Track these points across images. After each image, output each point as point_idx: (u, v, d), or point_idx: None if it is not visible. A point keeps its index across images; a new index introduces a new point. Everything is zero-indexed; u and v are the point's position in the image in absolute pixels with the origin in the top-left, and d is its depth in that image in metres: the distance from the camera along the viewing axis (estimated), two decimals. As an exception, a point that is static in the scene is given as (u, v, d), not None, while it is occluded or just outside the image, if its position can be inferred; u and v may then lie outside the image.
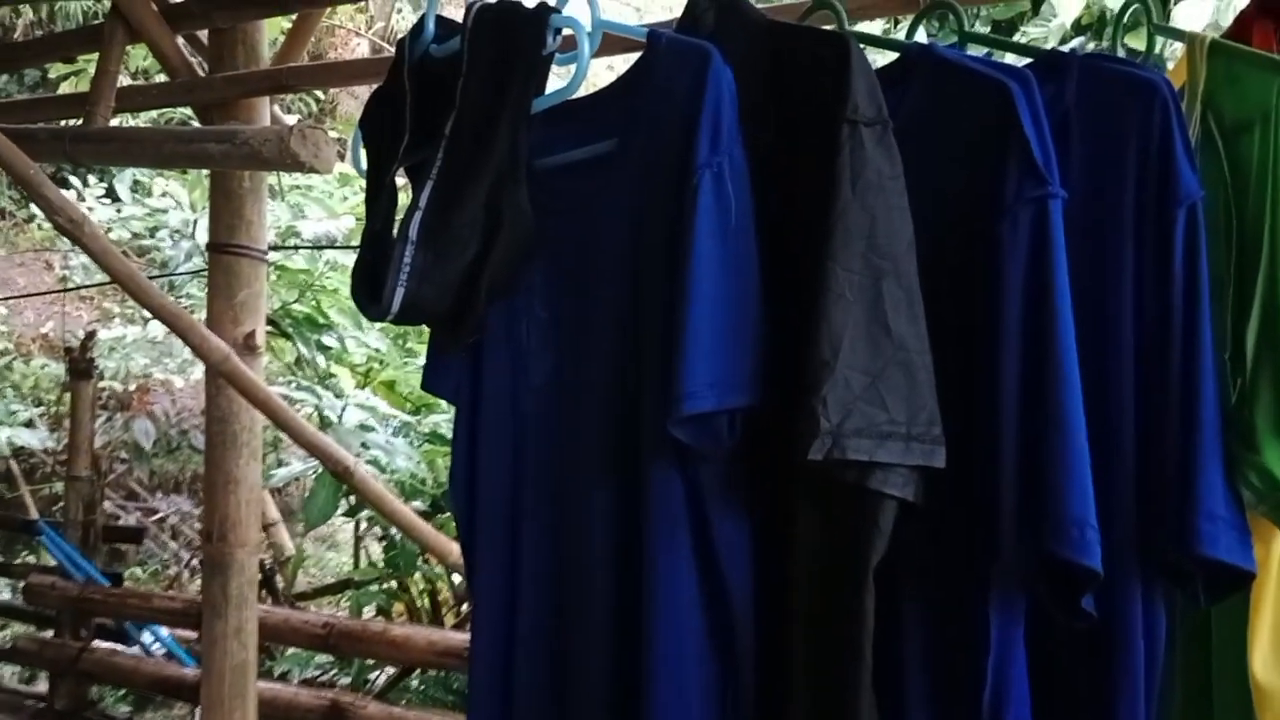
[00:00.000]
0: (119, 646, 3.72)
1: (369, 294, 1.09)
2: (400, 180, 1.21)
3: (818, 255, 0.93)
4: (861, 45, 1.00)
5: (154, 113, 4.85)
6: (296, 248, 3.65)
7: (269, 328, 3.79)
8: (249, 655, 2.58)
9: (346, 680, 3.66)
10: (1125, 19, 1.18)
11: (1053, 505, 0.90)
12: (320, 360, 3.61)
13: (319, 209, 3.99)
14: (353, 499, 3.80)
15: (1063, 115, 1.02)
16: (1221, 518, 0.92)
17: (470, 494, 1.26)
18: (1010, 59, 1.13)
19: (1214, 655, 1.05)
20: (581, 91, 1.19)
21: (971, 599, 0.98)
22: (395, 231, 1.09)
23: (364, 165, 1.21)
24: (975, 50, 1.19)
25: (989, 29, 4.14)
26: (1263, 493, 0.92)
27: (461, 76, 1.10)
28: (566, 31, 1.13)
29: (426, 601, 3.79)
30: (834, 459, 0.91)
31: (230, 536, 2.47)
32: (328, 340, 3.62)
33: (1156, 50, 1.16)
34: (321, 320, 3.67)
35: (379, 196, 1.16)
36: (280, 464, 3.28)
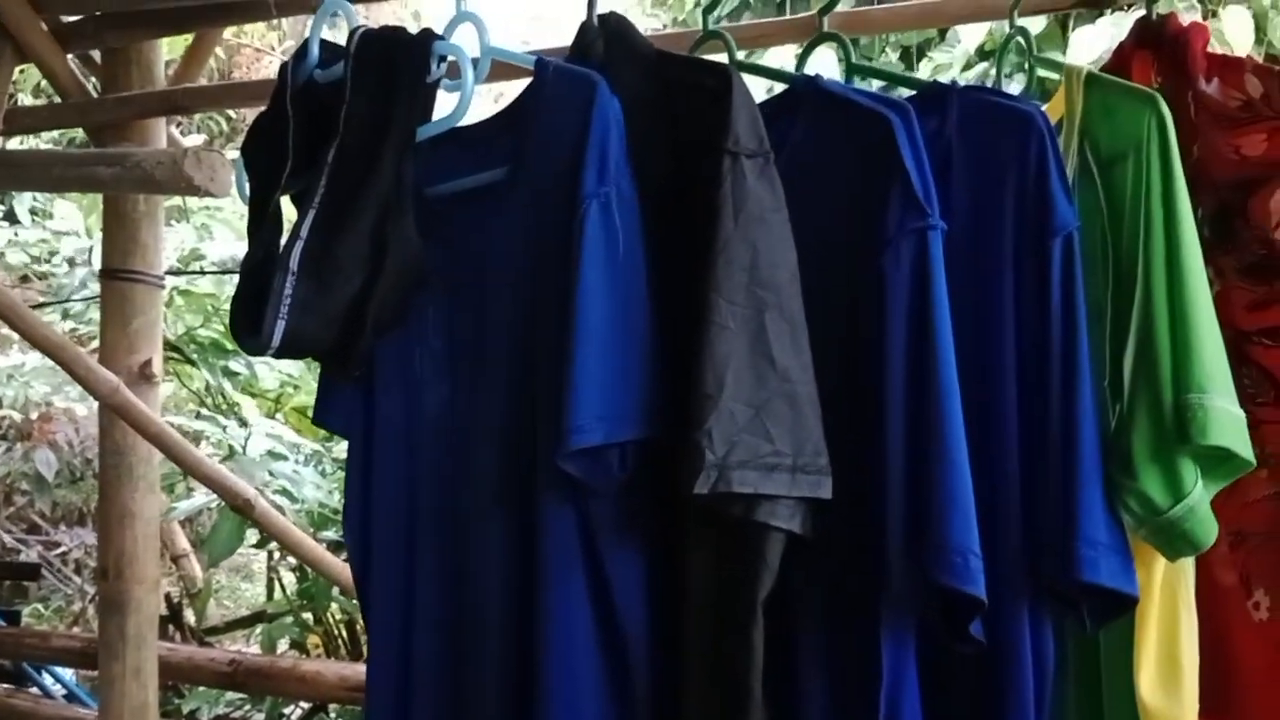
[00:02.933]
0: (17, 688, 3.55)
1: (249, 327, 1.06)
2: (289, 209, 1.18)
3: (701, 287, 0.93)
4: (750, 75, 1.01)
5: (57, 134, 4.70)
6: (202, 272, 3.55)
7: (173, 354, 3.68)
8: (149, 696, 2.48)
9: (260, 717, 3.55)
10: (1010, 50, 1.21)
11: (936, 534, 0.91)
12: (228, 387, 3.50)
13: (227, 231, 3.89)
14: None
15: (944, 147, 1.03)
16: (1102, 543, 0.94)
17: (364, 530, 1.23)
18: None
19: (1104, 678, 1.06)
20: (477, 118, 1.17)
21: (863, 629, 0.98)
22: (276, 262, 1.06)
23: (248, 192, 1.18)
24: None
25: (898, 55, 4.22)
26: (1142, 517, 0.94)
27: (345, 103, 1.08)
28: (452, 58, 1.12)
29: (345, 634, 3.70)
30: (719, 492, 0.90)
31: (127, 573, 2.37)
32: (235, 366, 3.51)
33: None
34: (229, 346, 3.56)
35: (261, 225, 1.13)
36: (192, 495, 3.17)
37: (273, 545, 3.59)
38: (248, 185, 1.17)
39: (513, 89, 1.26)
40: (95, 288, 3.64)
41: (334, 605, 3.57)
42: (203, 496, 2.61)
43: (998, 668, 0.98)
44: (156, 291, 2.42)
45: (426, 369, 1.17)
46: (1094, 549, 0.93)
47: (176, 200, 4.34)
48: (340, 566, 2.26)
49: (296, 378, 3.79)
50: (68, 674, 3.66)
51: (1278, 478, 1.14)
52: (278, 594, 4.15)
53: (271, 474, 2.59)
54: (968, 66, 3.59)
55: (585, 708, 1.02)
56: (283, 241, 1.08)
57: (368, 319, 1.06)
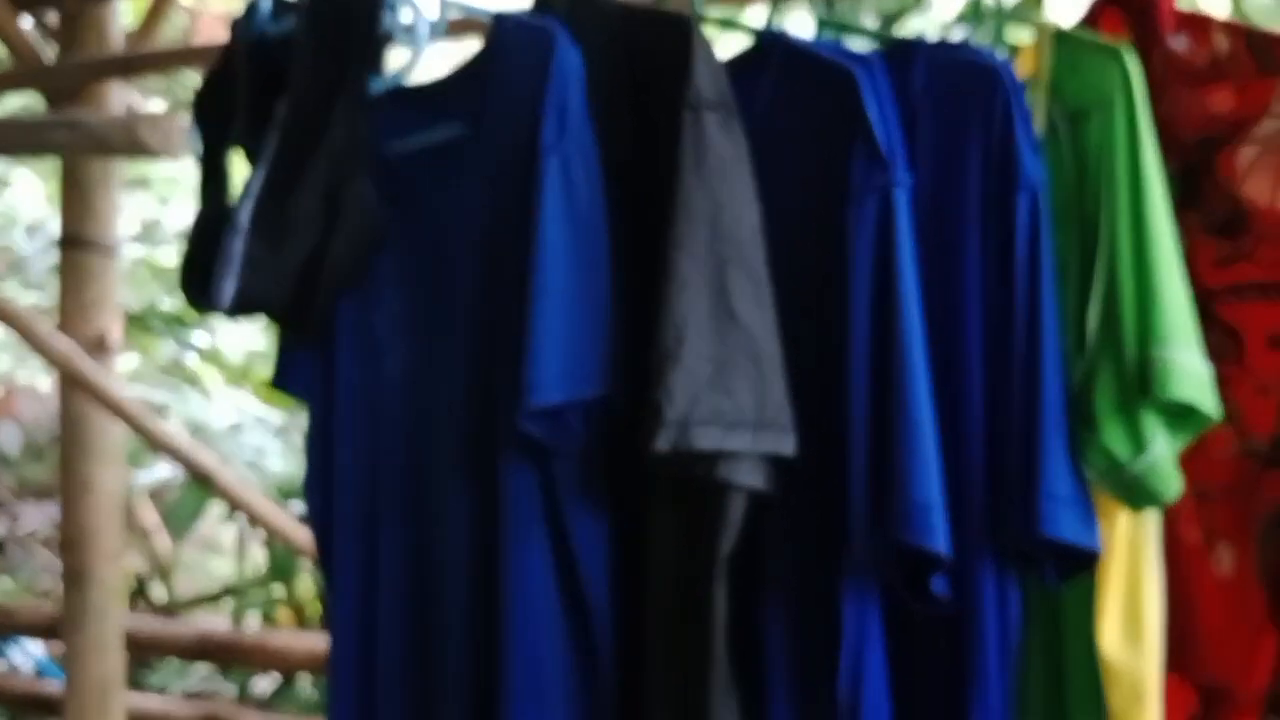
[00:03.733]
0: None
1: (199, 286, 1.03)
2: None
3: (662, 243, 0.91)
4: (718, 29, 0.98)
5: (18, 99, 4.59)
6: (164, 242, 3.49)
7: (136, 327, 3.63)
8: (113, 669, 2.46)
9: (233, 690, 3.53)
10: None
11: (899, 491, 0.90)
12: (192, 360, 3.46)
13: (189, 200, 3.84)
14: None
15: (910, 102, 1.02)
16: (1064, 498, 0.93)
17: (325, 496, 1.21)
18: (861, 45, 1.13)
19: (1066, 635, 1.06)
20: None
21: (826, 589, 0.97)
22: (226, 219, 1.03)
23: (200, 150, 1.15)
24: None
25: (879, 23, 4.18)
26: (1104, 472, 0.94)
27: (296, 57, 1.05)
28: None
29: (315, 606, 3.68)
30: (680, 449, 0.89)
31: (89, 545, 2.34)
32: (200, 338, 3.47)
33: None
34: (192, 317, 3.51)
35: (211, 183, 1.10)
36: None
37: (242, 519, 3.57)
38: (199, 143, 1.14)
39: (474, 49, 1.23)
40: (55, 258, 3.57)
41: (304, 578, 3.55)
42: (165, 468, 2.57)
43: (961, 626, 0.98)
44: (113, 260, 2.37)
45: (385, 332, 1.15)
46: (1056, 503, 0.92)
47: (139, 170, 4.26)
48: (307, 536, 2.23)
49: (263, 351, 3.74)
50: (37, 648, 3.62)
51: (1242, 435, 1.14)
52: (247, 568, 4.12)
53: (236, 446, 2.56)
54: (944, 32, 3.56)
55: (549, 669, 1.01)
56: (234, 200, 1.05)
57: (323, 279, 1.04)
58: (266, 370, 3.66)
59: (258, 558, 4.05)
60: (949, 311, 0.97)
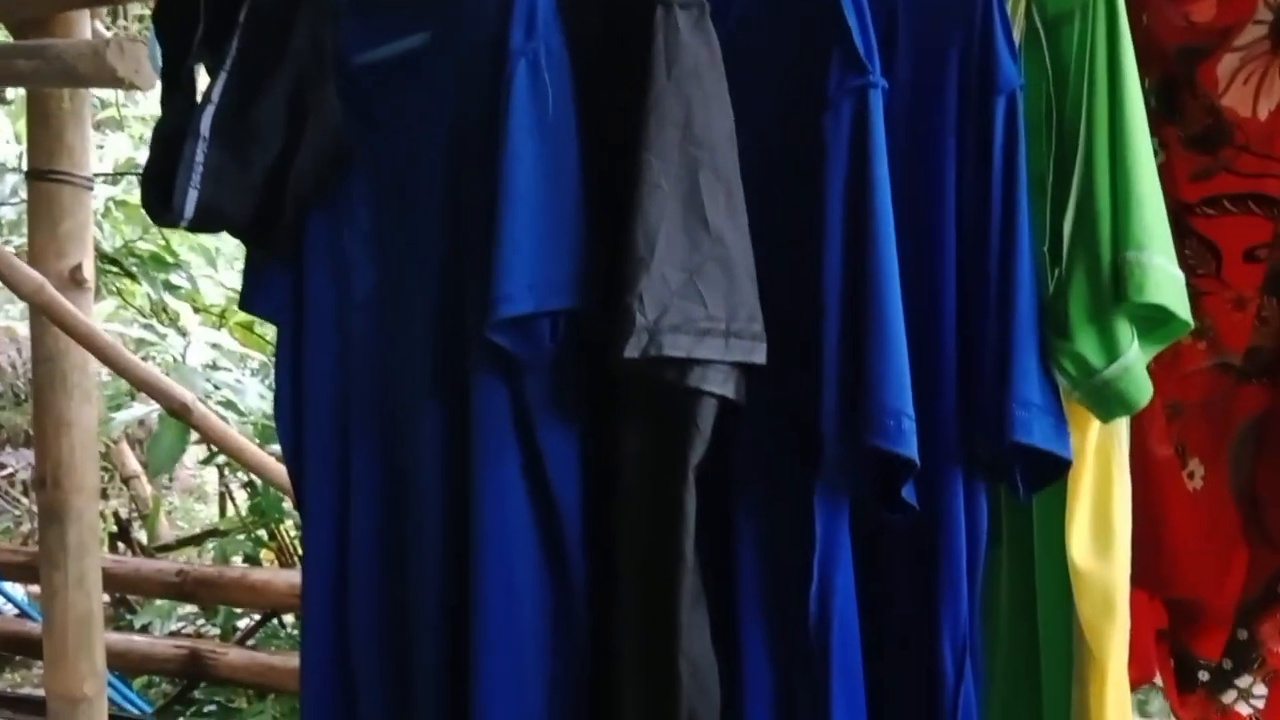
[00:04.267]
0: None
1: (160, 197, 1.01)
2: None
3: (633, 146, 0.89)
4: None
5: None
6: (136, 172, 3.43)
7: (112, 268, 3.58)
8: (93, 606, 2.45)
9: (215, 631, 3.54)
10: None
11: (869, 397, 0.90)
12: (170, 301, 3.41)
13: (164, 140, 3.76)
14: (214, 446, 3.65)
15: (890, 6, 0.99)
16: (1036, 405, 0.93)
17: (296, 419, 1.19)
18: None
19: (1036, 545, 1.07)
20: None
21: (796, 497, 0.97)
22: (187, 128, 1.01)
23: (159, 62, 1.12)
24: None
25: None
26: (1076, 379, 0.93)
27: (256, -40, 1.02)
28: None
29: (298, 547, 3.69)
30: (651, 356, 0.88)
31: (65, 482, 2.32)
32: (177, 280, 3.42)
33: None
34: (170, 259, 3.47)
35: (173, 95, 1.07)
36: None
37: (222, 460, 3.56)
38: (159, 54, 1.10)
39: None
40: (25, 195, 3.50)
41: (287, 521, 3.55)
42: (142, 406, 2.55)
43: (930, 535, 0.97)
44: (85, 194, 2.32)
45: (355, 250, 1.13)
46: (1027, 410, 0.92)
47: (112, 111, 4.18)
48: (283, 472, 2.22)
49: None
50: (17, 591, 3.63)
51: (1216, 349, 1.14)
52: (230, 512, 4.12)
53: (213, 385, 2.53)
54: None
55: (521, 582, 1.01)
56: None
57: (287, 191, 1.02)
58: (245, 315, 3.63)
59: (241, 502, 4.05)
60: (923, 216, 0.96)
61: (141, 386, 2.02)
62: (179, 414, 2.00)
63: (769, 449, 0.99)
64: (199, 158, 0.98)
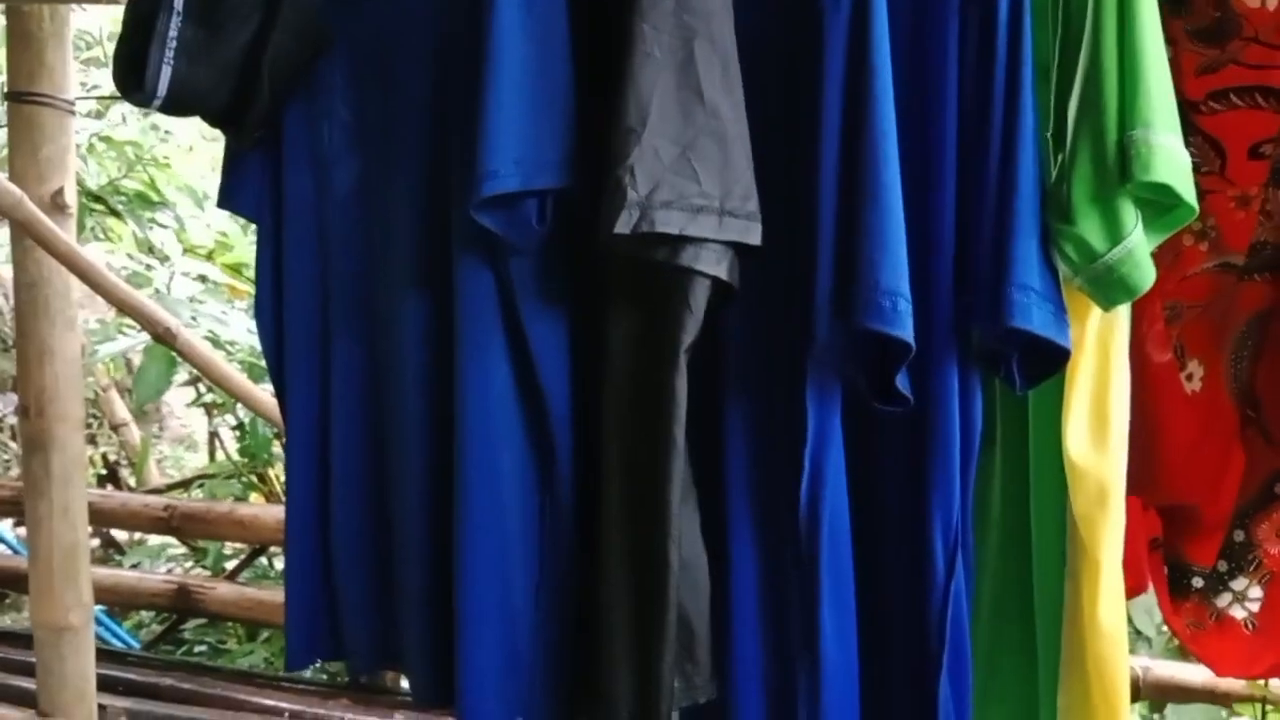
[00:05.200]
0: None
1: (133, 76, 0.97)
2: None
3: (625, 13, 0.86)
4: None
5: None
6: (113, 97, 3.36)
7: (97, 206, 3.52)
8: (79, 536, 2.42)
9: (205, 572, 3.53)
10: None
11: (864, 277, 0.87)
12: (157, 241, 3.36)
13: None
14: (202, 390, 3.61)
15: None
16: (1035, 290, 0.90)
17: (277, 320, 1.17)
18: None
19: (1031, 444, 1.05)
20: None
21: (789, 385, 0.95)
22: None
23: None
24: None
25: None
26: (1078, 265, 0.91)
27: None
28: None
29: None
30: (642, 232, 0.85)
31: (49, 411, 2.28)
32: (163, 220, 3.37)
33: None
34: (155, 198, 3.41)
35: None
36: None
37: (207, 399, 3.53)
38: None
39: None
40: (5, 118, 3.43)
41: (277, 465, 3.53)
42: (126, 339, 2.51)
43: (924, 427, 0.96)
44: (66, 118, 2.27)
45: (336, 143, 1.10)
46: (1026, 295, 0.89)
47: (97, 51, 4.10)
48: (270, 403, 2.19)
49: (230, 236, 3.65)
50: (5, 529, 3.61)
51: (1218, 249, 1.12)
52: (220, 457, 4.09)
53: (196, 318, 2.50)
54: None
55: (507, 475, 1.00)
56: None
57: (263, 71, 0.98)
58: (233, 257, 3.58)
59: (232, 449, 4.03)
60: (924, 98, 0.93)
61: (124, 309, 1.99)
62: (163, 339, 1.96)
63: (761, 336, 0.97)
64: (173, 32, 0.95)
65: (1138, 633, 2.21)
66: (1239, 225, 1.10)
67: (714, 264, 0.88)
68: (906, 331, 0.87)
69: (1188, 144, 1.01)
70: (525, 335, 0.98)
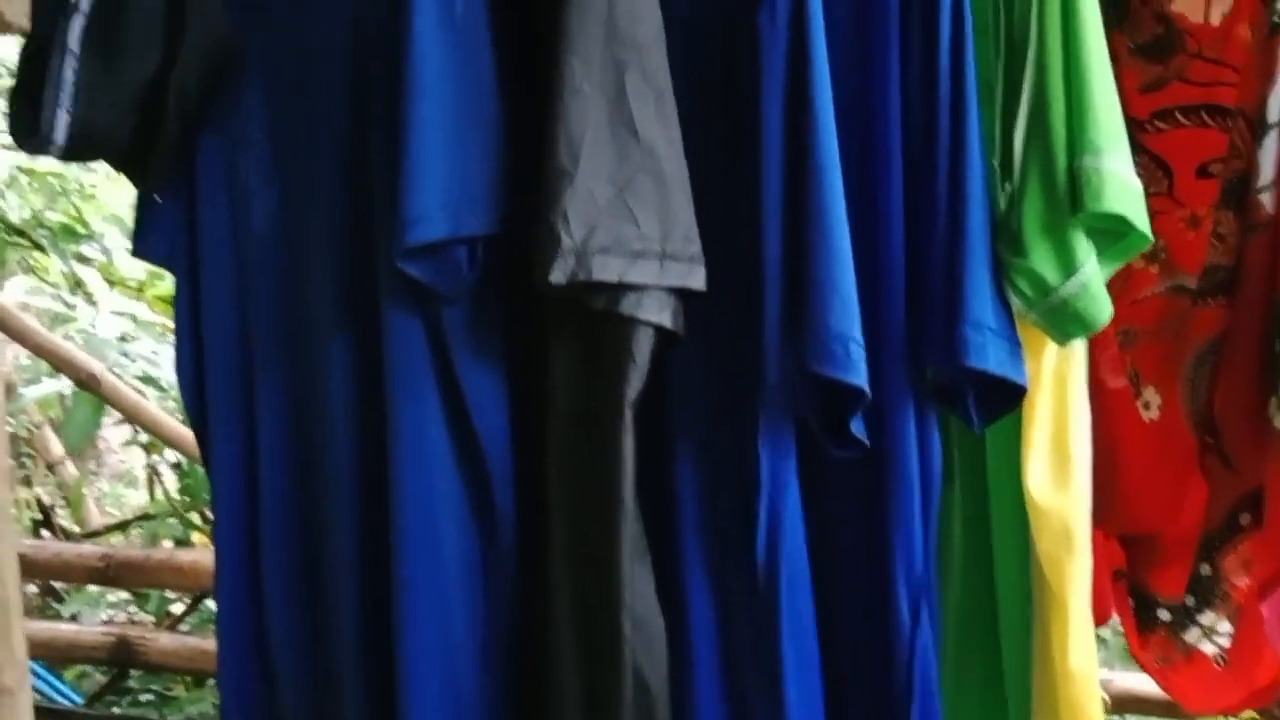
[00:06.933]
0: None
1: (27, 122, 0.90)
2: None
3: (552, 45, 0.81)
4: None
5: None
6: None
7: (20, 240, 3.39)
8: (9, 593, 2.30)
9: (148, 619, 3.41)
10: None
11: (814, 321, 0.83)
12: (85, 275, 3.24)
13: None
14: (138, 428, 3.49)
15: (827, -99, 0.92)
16: (990, 328, 0.87)
17: (197, 370, 1.10)
18: None
19: (990, 483, 1.02)
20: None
21: (740, 434, 0.91)
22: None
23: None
24: None
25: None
26: (1032, 299, 0.88)
27: None
28: None
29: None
30: (579, 281, 0.81)
31: (-30, 463, 2.18)
32: (89, 252, 3.25)
33: None
34: (82, 230, 3.29)
35: (41, 6, 0.96)
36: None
37: (146, 439, 3.41)
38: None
39: None
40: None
41: (219, 502, 3.41)
42: (52, 382, 2.41)
43: (882, 471, 0.92)
44: (-20, 155, 2.18)
45: (252, 174, 1.03)
46: (981, 333, 0.86)
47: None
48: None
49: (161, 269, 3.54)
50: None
51: (1168, 272, 1.10)
52: (159, 495, 3.96)
53: (128, 357, 2.40)
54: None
55: (445, 532, 0.94)
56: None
57: (169, 104, 0.92)
58: (164, 288, 3.47)
59: (171, 487, 3.90)
60: (867, 126, 0.90)
61: (45, 356, 1.90)
62: (87, 385, 1.88)
63: (710, 385, 0.93)
64: (68, 75, 0.88)
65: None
66: (1189, 246, 1.08)
67: (656, 311, 0.83)
68: (860, 377, 0.83)
69: (1134, 164, 0.99)
70: (460, 385, 0.93)
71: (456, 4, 0.85)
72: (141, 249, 1.12)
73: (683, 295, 0.85)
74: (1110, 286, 0.94)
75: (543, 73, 0.82)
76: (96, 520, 4.24)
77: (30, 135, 0.90)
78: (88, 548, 2.75)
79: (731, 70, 0.90)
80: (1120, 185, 0.85)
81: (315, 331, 1.00)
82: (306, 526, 1.04)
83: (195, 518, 3.52)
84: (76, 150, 0.92)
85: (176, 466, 3.62)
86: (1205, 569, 1.08)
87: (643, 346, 0.85)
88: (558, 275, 0.80)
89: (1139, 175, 1.00)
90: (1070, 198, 0.85)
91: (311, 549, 1.04)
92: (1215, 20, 1.03)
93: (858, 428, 0.87)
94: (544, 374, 0.89)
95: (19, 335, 1.85)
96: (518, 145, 0.87)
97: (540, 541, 0.92)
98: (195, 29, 0.90)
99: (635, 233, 0.82)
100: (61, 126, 0.89)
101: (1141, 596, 1.15)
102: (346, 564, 1.00)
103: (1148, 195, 1.04)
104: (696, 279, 0.84)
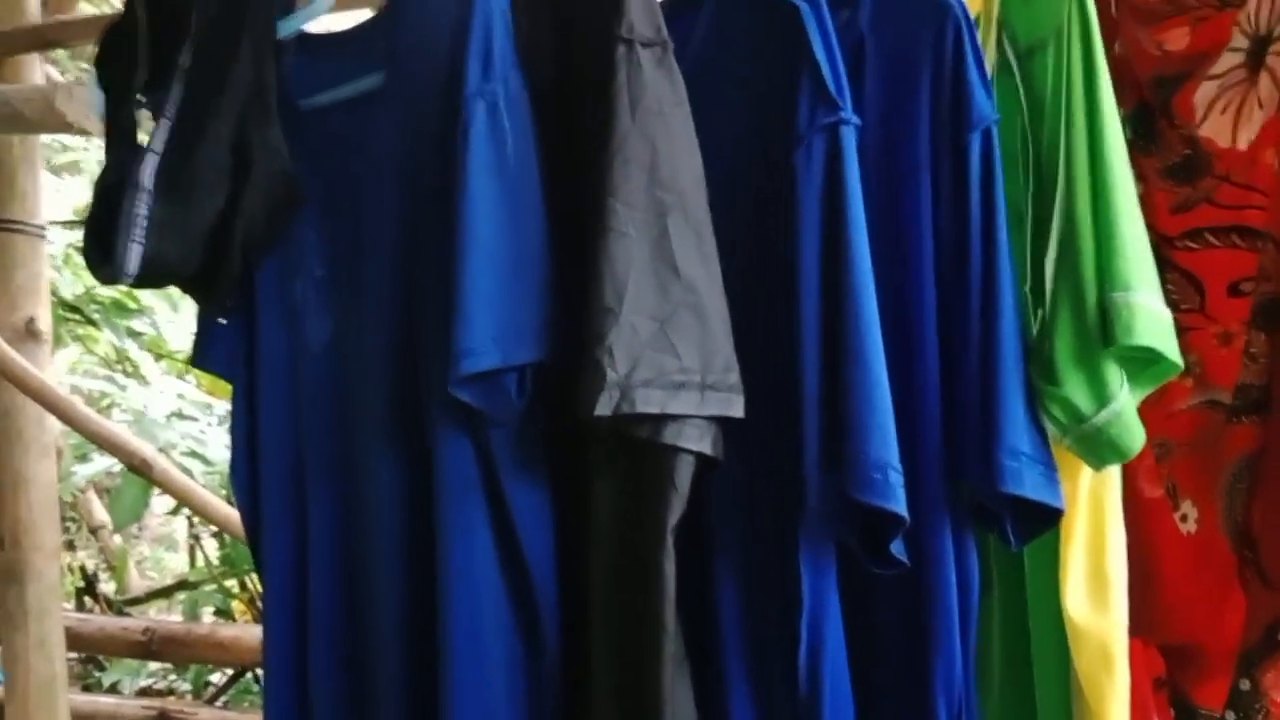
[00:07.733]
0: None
1: (101, 253, 0.96)
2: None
3: (597, 191, 0.85)
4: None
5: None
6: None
7: (74, 315, 3.50)
8: (56, 669, 2.36)
9: (186, 686, 3.44)
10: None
11: (853, 449, 0.85)
12: (133, 349, 3.34)
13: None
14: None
15: (857, 40, 0.96)
16: (1025, 454, 0.89)
17: (252, 479, 1.15)
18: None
19: (1029, 597, 1.02)
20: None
21: (781, 554, 0.92)
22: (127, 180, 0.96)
23: (102, 109, 1.07)
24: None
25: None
26: (1066, 426, 0.89)
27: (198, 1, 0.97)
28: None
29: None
30: (623, 413, 0.83)
31: (24, 541, 2.24)
32: (139, 326, 3.34)
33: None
34: (132, 305, 3.39)
35: (116, 142, 1.02)
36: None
37: (187, 511, 3.46)
38: (102, 101, 1.06)
39: None
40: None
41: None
42: (104, 460, 2.47)
43: (921, 588, 0.93)
44: (39, 243, 2.26)
45: (309, 300, 1.09)
46: (1017, 460, 0.88)
47: (72, 155, 4.11)
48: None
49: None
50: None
51: (1203, 386, 1.11)
52: (200, 561, 4.01)
53: (177, 435, 2.46)
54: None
55: (491, 648, 0.96)
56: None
57: (235, 239, 0.97)
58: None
59: (211, 551, 3.95)
60: (900, 258, 0.92)
61: (100, 442, 1.95)
62: (139, 470, 1.93)
63: (749, 505, 0.95)
64: (141, 210, 0.93)
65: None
66: (1223, 362, 1.09)
67: (697, 440, 0.86)
68: (899, 504, 0.85)
69: (1165, 280, 1.01)
70: (507, 506, 0.96)
71: (508, 151, 0.89)
72: (201, 362, 1.17)
73: (723, 423, 0.87)
74: (1146, 398, 0.95)
75: (590, 215, 0.86)
76: (137, 584, 4.29)
77: (104, 264, 0.95)
78: (131, 622, 2.79)
79: (768, 204, 0.93)
80: (1151, 318, 0.87)
81: (365, 449, 1.04)
82: (354, 632, 1.06)
83: (233, 585, 3.57)
84: (147, 279, 0.97)
85: (218, 534, 3.67)
86: (1245, 684, 1.07)
87: (683, 474, 0.87)
88: (603, 408, 0.83)
89: (1170, 292, 1.03)
90: (1101, 330, 0.87)
91: (358, 654, 1.06)
92: (1242, 145, 1.06)
93: (897, 549, 0.89)
94: (586, 496, 0.92)
95: (75, 423, 1.90)
96: (561, 278, 0.91)
97: (582, 657, 0.94)
98: (261, 166, 0.95)
99: (677, 365, 0.85)
100: (134, 259, 0.94)
101: (1183, 706, 1.14)
102: (392, 673, 1.02)
103: (1179, 311, 1.06)
104: (736, 408, 0.87)
